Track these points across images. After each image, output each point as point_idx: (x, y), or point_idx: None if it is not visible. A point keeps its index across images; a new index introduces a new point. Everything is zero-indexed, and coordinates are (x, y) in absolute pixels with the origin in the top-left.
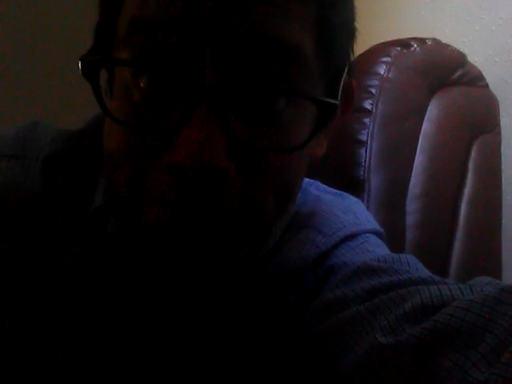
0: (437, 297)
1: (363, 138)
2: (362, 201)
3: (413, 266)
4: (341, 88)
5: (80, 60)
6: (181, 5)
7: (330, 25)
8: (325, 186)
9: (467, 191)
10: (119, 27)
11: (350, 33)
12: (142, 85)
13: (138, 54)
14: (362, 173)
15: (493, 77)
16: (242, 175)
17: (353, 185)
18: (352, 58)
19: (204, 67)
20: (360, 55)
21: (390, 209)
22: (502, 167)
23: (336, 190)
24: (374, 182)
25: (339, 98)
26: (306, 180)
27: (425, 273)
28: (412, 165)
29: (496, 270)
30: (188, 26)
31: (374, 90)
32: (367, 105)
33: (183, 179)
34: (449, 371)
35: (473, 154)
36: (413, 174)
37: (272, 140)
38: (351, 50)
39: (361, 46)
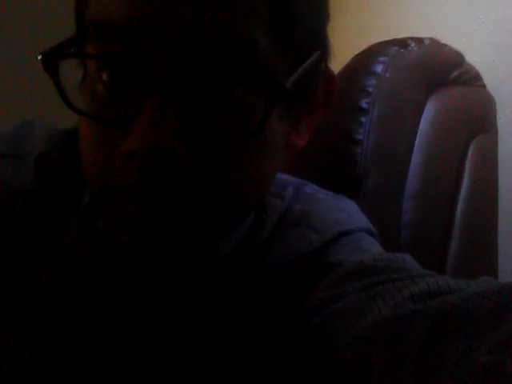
0: (444, 285)
1: (360, 137)
2: (358, 199)
3: (409, 263)
4: (300, 71)
5: (40, 54)
6: (134, 7)
7: (287, 9)
8: (319, 187)
9: (464, 190)
10: (85, 25)
11: (319, 17)
12: (103, 79)
13: (95, 50)
14: (359, 172)
15: (490, 77)
16: (197, 160)
17: (349, 184)
18: (329, 46)
19: (152, 58)
20: (357, 54)
21: (386, 207)
22: (499, 167)
23: (330, 192)
24: (371, 181)
25: (293, 80)
26: (299, 180)
27: (422, 271)
28: (409, 164)
29: (492, 269)
30: (139, 25)
31: (371, 90)
32: (364, 104)
33: (139, 165)
34: (465, 345)
35: (470, 153)
36: (409, 174)
37: (224, 125)
38: (324, 35)
39: (358, 46)
